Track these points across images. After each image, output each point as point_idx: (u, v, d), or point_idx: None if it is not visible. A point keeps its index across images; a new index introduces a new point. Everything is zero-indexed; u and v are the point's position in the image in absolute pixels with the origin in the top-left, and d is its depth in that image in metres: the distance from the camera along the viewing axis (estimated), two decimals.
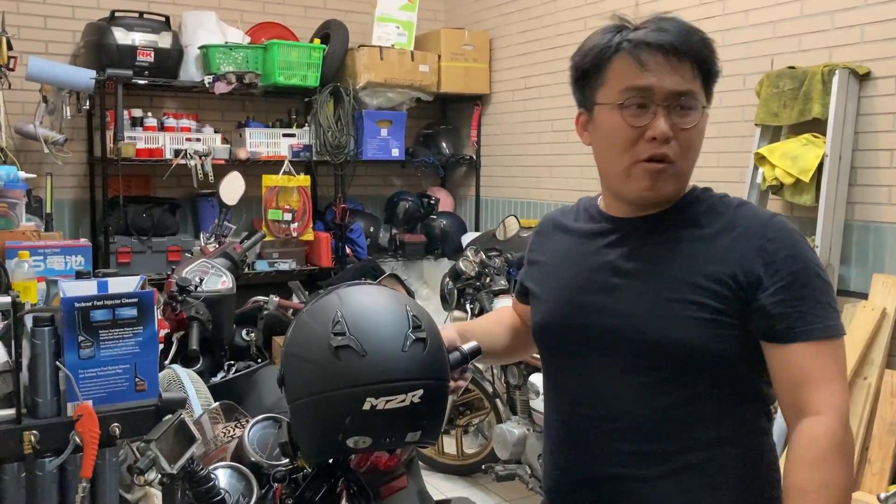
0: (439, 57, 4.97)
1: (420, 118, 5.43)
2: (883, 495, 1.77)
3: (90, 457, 1.34)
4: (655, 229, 1.21)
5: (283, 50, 4.50)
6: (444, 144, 5.34)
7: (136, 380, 1.46)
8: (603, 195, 1.31)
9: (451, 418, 3.67)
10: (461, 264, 3.41)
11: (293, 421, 1.16)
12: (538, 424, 3.07)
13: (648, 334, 1.15)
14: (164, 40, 4.29)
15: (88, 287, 1.48)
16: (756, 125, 3.29)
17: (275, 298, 3.28)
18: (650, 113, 1.15)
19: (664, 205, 1.22)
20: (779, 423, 1.34)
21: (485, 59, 5.14)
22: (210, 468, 1.27)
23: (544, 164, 4.75)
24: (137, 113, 4.42)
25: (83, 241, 2.49)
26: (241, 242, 3.32)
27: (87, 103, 4.12)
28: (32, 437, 1.38)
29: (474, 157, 5.31)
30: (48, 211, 3.88)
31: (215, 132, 4.60)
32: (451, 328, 1.40)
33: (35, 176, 3.24)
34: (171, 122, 4.48)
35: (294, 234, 4.63)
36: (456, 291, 3.43)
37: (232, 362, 2.80)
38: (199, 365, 2.46)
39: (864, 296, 2.98)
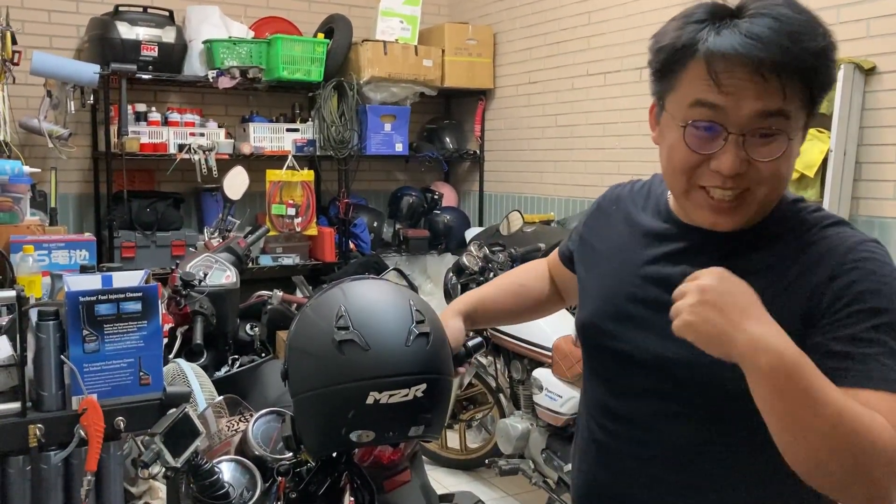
0: (443, 51, 4.96)
1: (424, 113, 5.42)
2: None
3: (95, 450, 1.35)
4: (728, 246, 1.04)
5: (287, 44, 4.50)
6: (447, 139, 5.34)
7: (141, 374, 1.46)
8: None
9: (455, 413, 3.67)
10: (465, 259, 3.41)
11: (297, 415, 1.16)
12: (541, 419, 3.07)
13: (688, 368, 1.02)
14: (168, 35, 4.29)
15: (93, 281, 1.48)
16: None
17: (278, 293, 3.28)
18: (720, 139, 0.96)
19: (747, 222, 1.04)
20: None
21: (489, 54, 5.13)
22: (214, 462, 1.27)
23: (548, 160, 4.75)
24: (141, 107, 4.42)
25: (87, 235, 2.49)
26: (245, 237, 3.33)
27: (92, 98, 4.13)
28: (37, 430, 1.39)
29: (478, 151, 5.30)
30: (52, 205, 3.89)
31: (219, 127, 4.60)
32: (459, 316, 1.34)
33: (39, 170, 3.24)
34: (174, 116, 4.48)
35: (298, 229, 4.63)
36: (459, 286, 3.43)
37: (236, 357, 2.81)
38: (203, 359, 2.47)
39: None
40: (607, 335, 1.14)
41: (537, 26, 4.80)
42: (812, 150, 3.01)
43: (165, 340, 2.51)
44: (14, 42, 3.40)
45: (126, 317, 1.44)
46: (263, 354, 2.94)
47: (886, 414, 0.87)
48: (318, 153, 4.78)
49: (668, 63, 1.00)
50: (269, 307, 3.20)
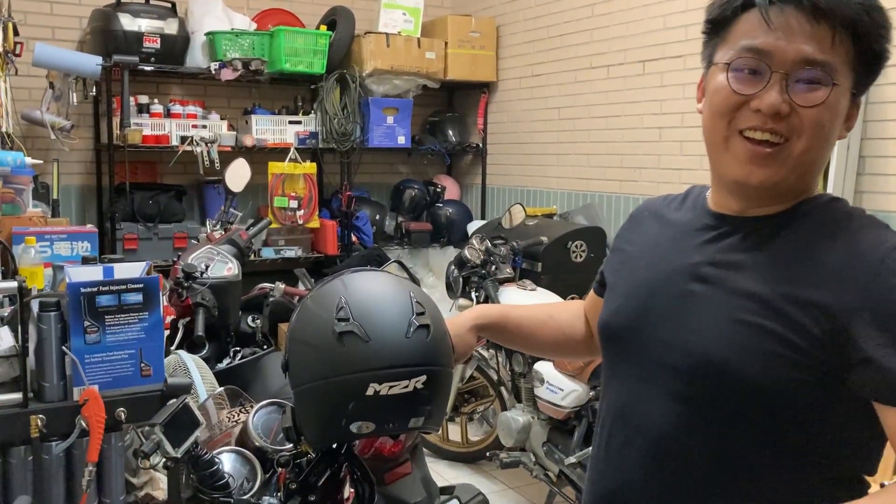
0: (446, 44, 4.95)
1: (426, 106, 5.41)
2: None
3: (96, 441, 1.35)
4: (760, 234, 1.00)
5: (290, 36, 4.49)
6: (450, 132, 5.33)
7: (142, 365, 1.47)
8: (711, 186, 1.10)
9: (456, 406, 3.68)
10: (467, 252, 3.41)
11: (297, 406, 1.16)
12: (542, 412, 3.08)
13: (703, 358, 0.97)
14: (171, 27, 4.29)
15: (94, 272, 1.48)
16: None
17: (280, 285, 3.29)
18: (763, 80, 0.95)
19: (779, 204, 1.00)
20: None
21: (492, 47, 5.12)
22: (214, 453, 1.28)
23: (551, 153, 4.74)
24: (144, 99, 4.42)
25: (90, 227, 2.49)
26: (247, 229, 3.33)
27: (94, 90, 4.13)
28: (39, 421, 1.39)
29: (480, 145, 5.30)
30: (55, 197, 3.89)
31: (221, 119, 4.60)
32: (473, 331, 1.30)
33: (42, 162, 3.24)
34: (177, 108, 4.48)
35: (300, 222, 4.63)
36: (461, 279, 3.43)
37: (237, 349, 2.82)
38: (204, 351, 2.47)
39: None
40: (626, 330, 1.09)
41: (540, 19, 4.79)
42: None
43: (167, 332, 2.51)
44: (16, 33, 3.40)
45: (127, 308, 1.44)
46: (265, 347, 2.94)
47: None
48: (320, 146, 4.78)
49: (723, 14, 1.00)
50: (270, 300, 3.21)
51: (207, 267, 2.69)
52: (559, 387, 2.94)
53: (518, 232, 3.76)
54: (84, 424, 1.37)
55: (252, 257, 4.25)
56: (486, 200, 5.34)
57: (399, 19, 4.88)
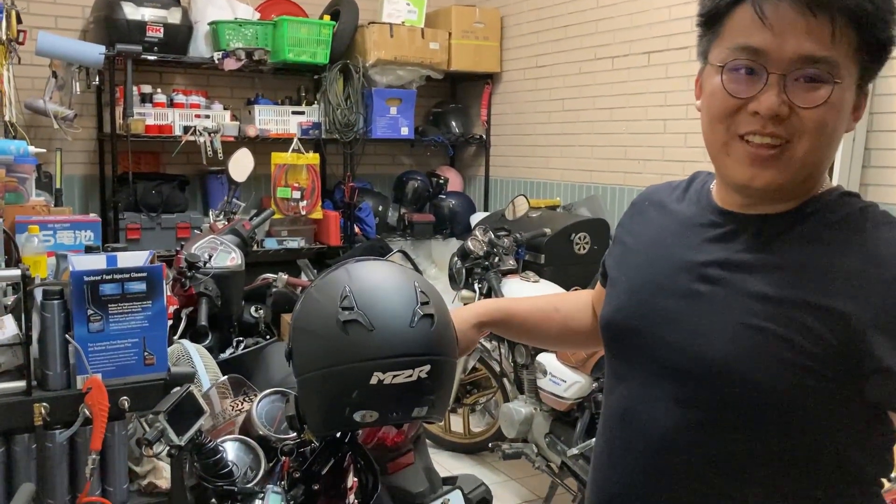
0: (450, 35, 4.93)
1: (430, 97, 5.40)
2: None
3: (99, 429, 1.35)
4: (767, 233, 0.96)
5: (293, 26, 4.48)
6: (453, 123, 5.32)
7: (145, 354, 1.47)
8: (716, 180, 1.05)
9: (459, 397, 3.68)
10: (470, 244, 3.40)
11: (300, 394, 1.16)
12: (545, 403, 3.08)
13: (710, 363, 0.93)
14: (174, 16, 4.27)
15: (97, 261, 1.48)
16: None
17: (283, 276, 3.28)
18: (760, 82, 0.90)
19: (787, 202, 0.96)
20: None
21: (496, 37, 5.10)
22: (218, 441, 1.28)
23: (554, 144, 4.73)
24: (147, 89, 4.41)
25: (93, 216, 2.49)
26: (250, 220, 3.32)
27: (97, 79, 4.12)
28: (42, 409, 1.39)
29: (484, 136, 5.28)
30: (58, 186, 3.90)
31: (224, 109, 4.60)
32: (476, 327, 1.29)
33: (45, 151, 3.23)
34: (180, 98, 4.47)
35: (303, 213, 4.63)
36: (464, 271, 3.43)
37: (241, 339, 2.82)
38: (207, 341, 2.47)
39: None
40: (628, 330, 1.05)
41: (545, 9, 4.77)
42: None
43: (170, 322, 2.52)
44: (19, 21, 3.39)
45: (130, 297, 1.44)
46: (268, 337, 2.94)
47: None
48: (323, 136, 4.77)
49: (715, 10, 0.95)
50: (273, 290, 3.20)
51: (211, 257, 2.68)
52: (562, 378, 2.94)
53: (521, 223, 3.75)
54: (87, 413, 1.37)
55: (255, 248, 4.25)
56: (490, 192, 5.33)
57: (403, 9, 4.86)
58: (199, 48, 4.44)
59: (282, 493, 1.22)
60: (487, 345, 3.47)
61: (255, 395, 1.47)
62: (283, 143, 4.64)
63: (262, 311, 3.04)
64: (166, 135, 4.32)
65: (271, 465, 1.31)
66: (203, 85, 4.77)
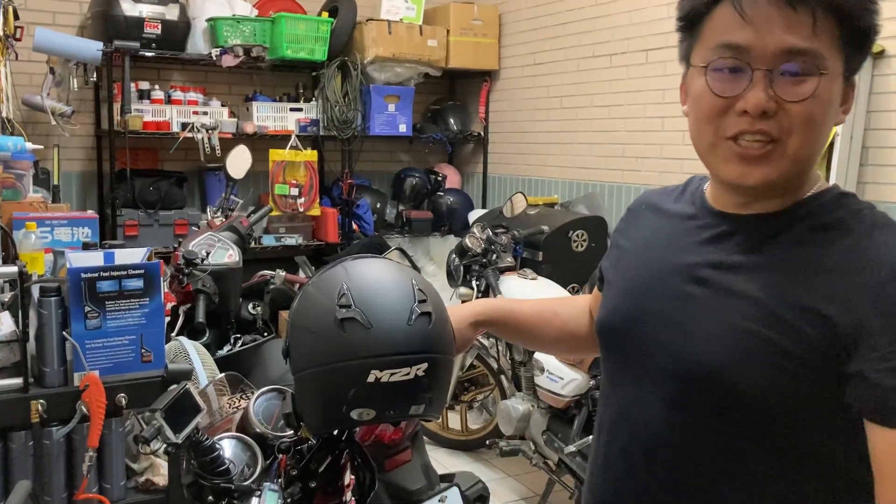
0: (448, 31, 4.92)
1: (428, 94, 5.39)
2: None
3: (96, 426, 1.35)
4: (760, 234, 0.95)
5: (291, 23, 4.47)
6: (451, 120, 5.32)
7: (143, 351, 1.47)
8: (710, 181, 1.05)
9: (456, 394, 3.69)
10: (468, 241, 3.40)
11: (297, 392, 1.16)
12: (542, 401, 3.08)
13: (700, 365, 0.93)
14: (172, 12, 4.26)
15: (95, 258, 1.48)
16: None
17: (281, 273, 3.29)
18: (745, 79, 0.89)
19: (780, 198, 0.95)
20: None
21: (494, 35, 5.09)
22: (215, 439, 1.28)
23: (553, 142, 4.73)
24: (144, 85, 4.41)
25: (90, 213, 2.49)
26: (248, 216, 3.33)
27: (95, 75, 4.11)
28: (39, 406, 1.39)
29: (482, 133, 5.28)
30: (55, 182, 3.89)
31: (222, 105, 4.59)
32: (472, 326, 1.28)
33: (42, 147, 3.24)
34: (178, 94, 4.47)
35: (301, 209, 4.63)
36: (462, 268, 3.43)
37: (238, 336, 2.82)
38: (205, 338, 2.47)
39: None
40: (622, 334, 1.06)
41: (543, 7, 4.76)
42: None
43: (168, 319, 2.52)
44: (16, 17, 3.38)
45: (128, 294, 1.44)
46: (266, 334, 2.95)
47: None
48: (321, 133, 4.77)
49: (694, 12, 0.94)
50: (271, 287, 3.20)
51: (208, 254, 2.68)
52: (559, 375, 2.94)
53: (519, 221, 3.76)
54: (85, 410, 1.37)
55: (253, 244, 4.25)
56: (488, 189, 5.33)
57: (401, 6, 4.85)
58: (197, 45, 4.43)
59: (279, 490, 1.22)
60: (485, 342, 3.47)
61: (253, 393, 1.47)
62: (280, 139, 4.63)
63: (259, 308, 3.04)
64: (164, 131, 4.32)
65: (268, 462, 1.31)
66: (201, 81, 4.76)
